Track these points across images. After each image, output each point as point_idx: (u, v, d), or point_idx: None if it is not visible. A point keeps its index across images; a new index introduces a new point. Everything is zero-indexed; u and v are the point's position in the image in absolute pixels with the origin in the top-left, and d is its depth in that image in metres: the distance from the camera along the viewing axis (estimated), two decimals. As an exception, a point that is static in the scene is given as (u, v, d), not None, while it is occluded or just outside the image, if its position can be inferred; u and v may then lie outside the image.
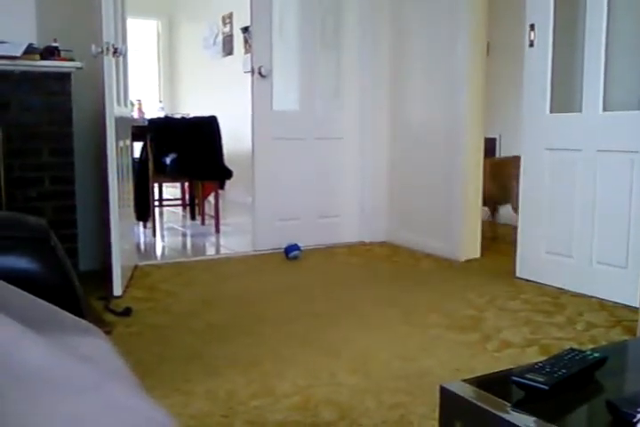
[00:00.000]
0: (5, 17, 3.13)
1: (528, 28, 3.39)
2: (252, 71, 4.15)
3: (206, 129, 4.96)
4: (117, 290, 3.11)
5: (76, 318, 0.84)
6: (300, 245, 4.08)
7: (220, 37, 7.11)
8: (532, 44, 3.38)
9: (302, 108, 4.45)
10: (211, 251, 4.65)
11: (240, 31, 6.62)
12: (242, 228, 5.04)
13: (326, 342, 2.53)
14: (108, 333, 2.04)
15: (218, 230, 5.01)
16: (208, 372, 2.22)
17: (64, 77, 3.13)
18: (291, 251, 4.03)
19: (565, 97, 3.39)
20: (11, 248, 0.97)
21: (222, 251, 4.52)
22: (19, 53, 2.96)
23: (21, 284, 0.83)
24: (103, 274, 3.27)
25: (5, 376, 0.63)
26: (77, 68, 3.15)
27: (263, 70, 4.14)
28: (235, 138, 5.72)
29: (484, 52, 3.95)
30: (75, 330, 0.80)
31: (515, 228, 3.61)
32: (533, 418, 0.99)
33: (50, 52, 3.10)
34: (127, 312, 2.88)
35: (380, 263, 3.97)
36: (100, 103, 3.16)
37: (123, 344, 2.42)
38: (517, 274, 3.53)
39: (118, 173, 3.14)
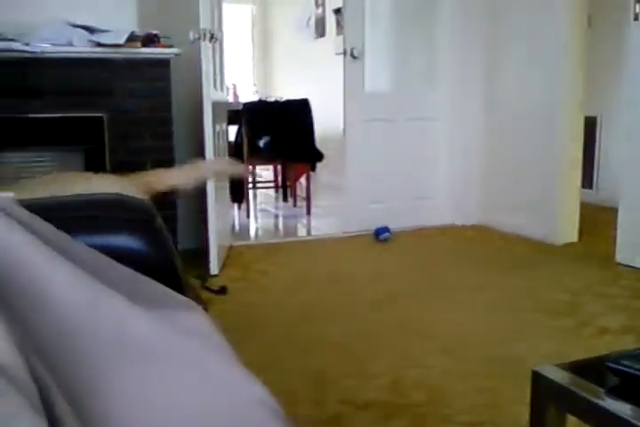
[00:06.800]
0: (108, 6, 3.27)
1: (633, 0, 3.22)
2: (345, 53, 4.16)
3: (298, 112, 5.02)
4: (214, 269, 3.23)
5: (179, 295, 0.89)
6: (390, 227, 4.08)
7: (313, 19, 7.13)
8: (636, 18, 3.21)
9: (394, 89, 4.42)
10: (302, 232, 4.73)
11: (332, 13, 6.61)
12: (332, 210, 5.08)
13: (417, 324, 2.54)
14: (204, 310, 2.13)
15: (309, 212, 5.07)
16: (300, 350, 2.28)
17: (164, 64, 3.25)
18: (381, 233, 4.04)
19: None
20: (119, 228, 1.04)
21: (313, 232, 4.58)
22: (122, 41, 3.09)
23: (128, 262, 0.88)
24: (200, 253, 3.39)
25: (115, 348, 0.68)
26: (176, 55, 3.25)
27: (355, 52, 4.13)
28: (326, 120, 5.75)
29: (585, 26, 3.78)
30: (178, 306, 0.84)
31: (616, 211, 3.47)
32: (629, 405, 0.97)
33: (150, 40, 3.22)
34: (223, 291, 2.98)
35: (472, 246, 3.92)
36: (197, 88, 3.26)
37: (218, 322, 2.52)
38: (617, 259, 3.39)
39: (215, 156, 3.23)
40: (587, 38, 3.81)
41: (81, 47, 3.06)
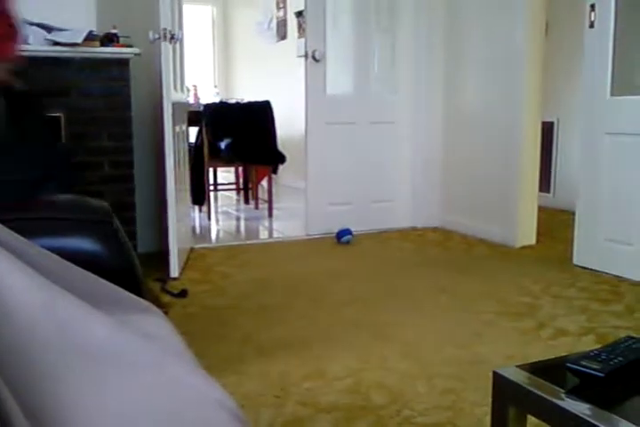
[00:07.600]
0: (67, 5, 3.20)
1: (588, 9, 3.29)
2: (306, 55, 4.15)
3: (260, 114, 5.00)
4: (174, 272, 3.19)
5: (138, 298, 0.87)
6: (351, 229, 4.09)
7: (274, 22, 7.12)
8: (592, 25, 3.28)
9: (356, 92, 4.44)
10: (264, 235, 4.71)
11: (294, 15, 6.61)
12: (294, 212, 5.07)
13: (378, 326, 2.54)
14: (164, 313, 2.10)
15: (271, 214, 5.06)
16: (261, 353, 2.26)
17: (123, 63, 3.20)
18: (343, 235, 4.04)
19: (627, 80, 3.28)
20: (75, 230, 1.01)
21: (275, 235, 4.57)
22: (80, 40, 3.03)
23: (85, 265, 0.87)
24: (160, 256, 3.35)
25: (72, 352, 0.66)
26: (135, 55, 3.21)
27: (317, 54, 4.13)
28: (288, 122, 5.75)
29: (543, 33, 3.85)
30: (137, 309, 0.82)
31: (573, 214, 3.53)
32: (588, 405, 0.98)
33: (109, 39, 3.17)
34: (184, 294, 2.94)
35: (433, 249, 3.95)
36: (157, 89, 3.22)
37: (179, 325, 2.49)
38: (574, 261, 3.46)
39: (175, 157, 3.20)
40: (544, 45, 3.88)
41: (37, 46, 3.00)
